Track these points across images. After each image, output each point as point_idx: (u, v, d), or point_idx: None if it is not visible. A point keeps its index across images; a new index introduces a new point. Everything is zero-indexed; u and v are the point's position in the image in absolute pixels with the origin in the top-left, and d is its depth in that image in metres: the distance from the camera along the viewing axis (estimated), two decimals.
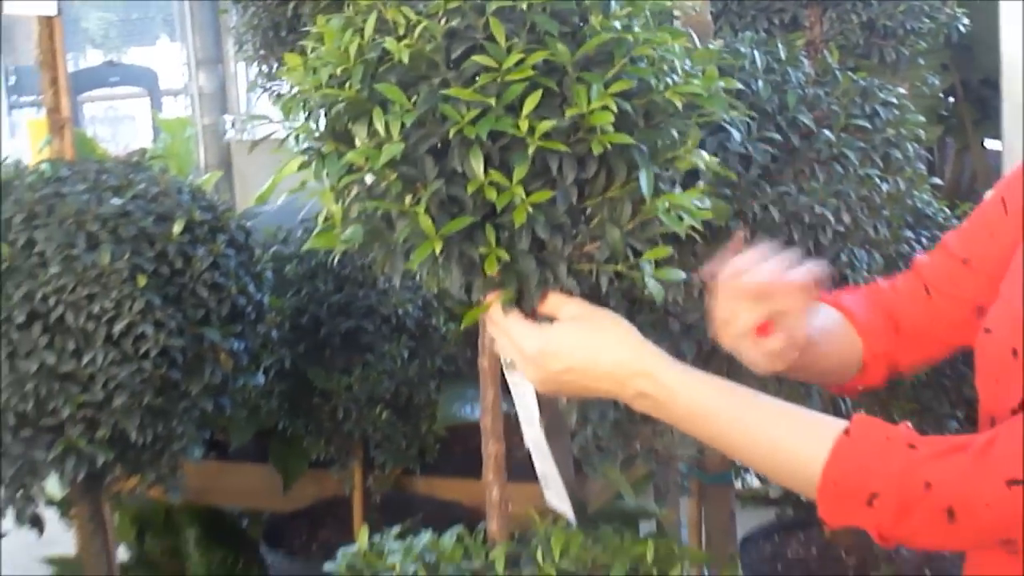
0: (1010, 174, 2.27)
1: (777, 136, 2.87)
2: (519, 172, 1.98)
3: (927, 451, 1.82)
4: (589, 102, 1.96)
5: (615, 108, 1.98)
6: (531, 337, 2.05)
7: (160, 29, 19.79)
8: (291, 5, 4.42)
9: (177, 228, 3.66)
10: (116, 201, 3.63)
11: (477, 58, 1.99)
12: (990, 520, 1.81)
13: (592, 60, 2.01)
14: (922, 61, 4.38)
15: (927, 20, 4.22)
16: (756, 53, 3.05)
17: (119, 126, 13.29)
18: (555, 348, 2.02)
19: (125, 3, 22.34)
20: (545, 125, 1.95)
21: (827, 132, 3.06)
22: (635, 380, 2.00)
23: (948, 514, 1.80)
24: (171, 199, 3.75)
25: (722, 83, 2.21)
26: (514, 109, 1.97)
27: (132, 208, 3.63)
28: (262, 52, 4.60)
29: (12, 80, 10.51)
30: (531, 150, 1.97)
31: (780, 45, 3.21)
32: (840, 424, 1.90)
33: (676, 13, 3.07)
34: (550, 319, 2.09)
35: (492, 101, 1.96)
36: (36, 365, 3.49)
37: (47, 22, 3.94)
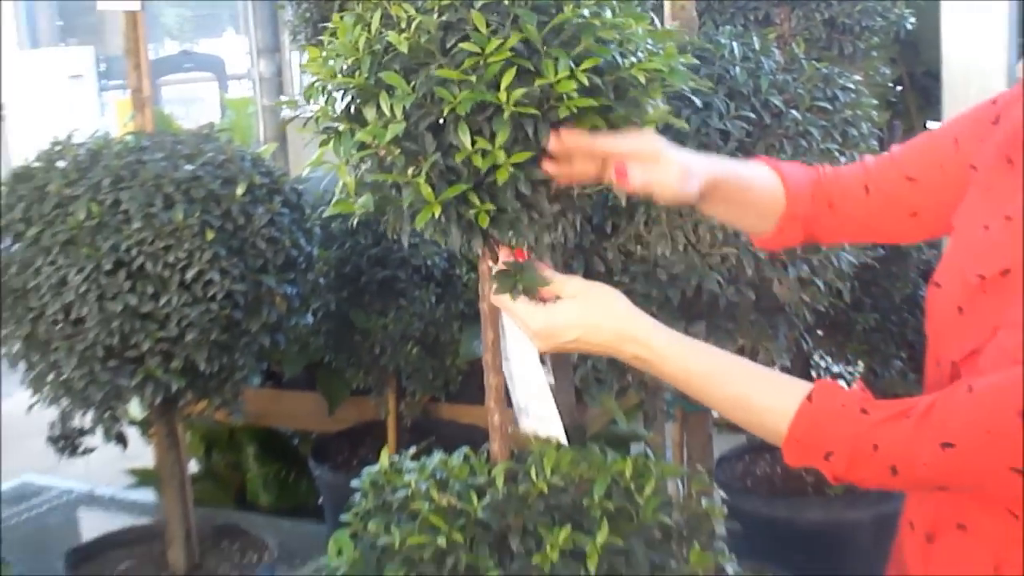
0: (963, 115, 2.25)
1: (752, 115, 2.89)
2: (501, 137, 2.01)
3: (876, 416, 1.83)
4: (556, 74, 1.99)
5: (586, 82, 2.01)
6: (536, 316, 2.08)
7: (227, 23, 19.90)
8: (336, 3, 4.43)
9: (240, 190, 3.69)
10: (188, 167, 3.67)
11: (464, 45, 2.02)
12: (927, 475, 1.82)
13: (564, 43, 2.02)
14: (875, 54, 4.39)
15: (879, 19, 4.23)
16: (734, 44, 3.07)
17: (192, 106, 13.29)
18: (561, 323, 2.04)
19: (197, 0, 22.42)
20: (517, 93, 1.99)
21: (794, 112, 3.08)
22: (630, 346, 2.02)
23: (892, 470, 1.82)
24: (235, 166, 3.77)
25: (681, 59, 2.22)
26: (495, 84, 2.00)
27: (202, 173, 3.67)
28: (312, 42, 4.60)
29: (103, 67, 10.49)
30: (507, 115, 1.99)
31: (755, 38, 3.22)
32: (805, 387, 1.91)
33: (666, 8, 3.09)
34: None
35: (473, 79, 2.00)
36: (121, 306, 3.52)
37: (132, 16, 3.96)
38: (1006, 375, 1.76)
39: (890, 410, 1.84)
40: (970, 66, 5.13)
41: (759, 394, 1.94)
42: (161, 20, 21.40)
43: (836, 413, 1.87)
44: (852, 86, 3.25)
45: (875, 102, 3.32)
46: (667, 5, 3.07)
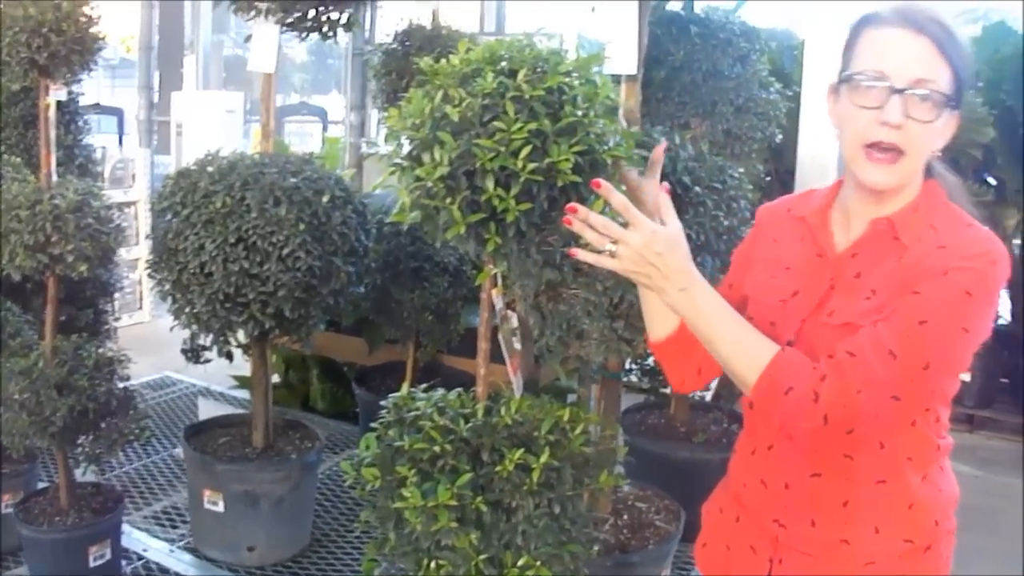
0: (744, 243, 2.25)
1: (669, 187, 2.86)
2: (513, 190, 1.97)
3: (820, 371, 1.76)
4: (559, 155, 1.96)
5: (573, 161, 1.99)
6: (637, 233, 1.83)
7: (332, 85, 20.19)
8: (404, 81, 4.44)
9: (325, 198, 3.69)
10: (293, 180, 3.67)
11: (496, 123, 1.99)
12: (845, 419, 1.75)
13: (564, 130, 2.00)
14: (754, 155, 4.35)
15: (759, 133, 4.20)
16: (663, 139, 3.04)
17: (305, 138, 13.42)
18: (661, 242, 1.81)
19: (315, 67, 22.89)
20: (531, 166, 1.96)
21: (697, 188, 3.04)
22: (686, 279, 1.82)
23: (824, 419, 1.74)
24: (324, 182, 3.77)
25: (636, 150, 2.20)
26: (515, 154, 1.97)
27: (301, 185, 3.67)
28: (386, 104, 4.62)
29: (248, 106, 10.52)
30: (522, 179, 1.96)
31: (676, 136, 3.19)
32: (778, 346, 1.83)
33: (620, 110, 3.05)
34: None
35: (501, 148, 1.98)
36: (237, 268, 3.55)
37: (267, 76, 3.94)
38: (864, 333, 1.76)
39: (826, 368, 1.76)
40: (814, 166, 5.17)
41: (750, 341, 1.82)
42: (290, 80, 22.09)
43: (799, 363, 1.78)
44: (736, 175, 3.23)
45: (751, 187, 3.30)
46: (620, 109, 3.03)
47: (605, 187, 1.84)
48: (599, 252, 1.87)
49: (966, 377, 6.26)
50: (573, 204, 1.86)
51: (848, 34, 1.89)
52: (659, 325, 2.08)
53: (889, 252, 1.86)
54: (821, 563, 1.94)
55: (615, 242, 1.84)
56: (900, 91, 1.76)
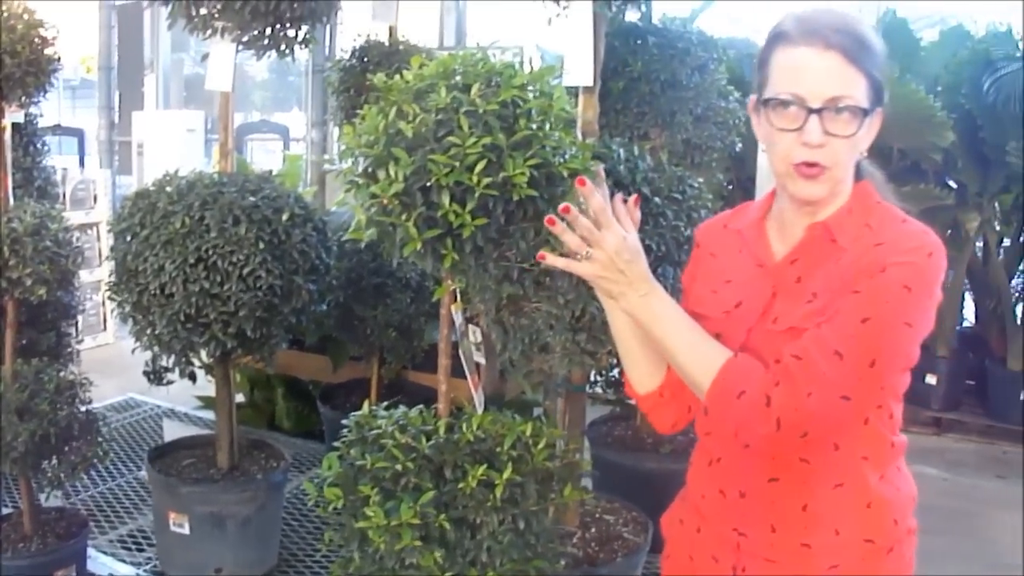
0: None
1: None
2: (469, 205, 2.00)
3: (771, 376, 1.76)
4: (514, 169, 1.96)
5: (529, 175, 2.00)
6: (612, 237, 1.83)
7: (293, 102, 20.22)
8: (362, 98, 4.44)
9: (284, 217, 3.69)
10: (252, 199, 3.66)
11: (451, 138, 2.01)
12: (796, 422, 1.75)
13: (519, 144, 2.00)
14: (714, 164, 4.37)
15: (719, 142, 4.22)
16: (621, 151, 3.04)
17: (268, 156, 13.43)
18: (629, 249, 1.82)
19: (276, 84, 22.92)
20: (486, 180, 1.98)
21: (657, 199, 3.04)
22: (647, 286, 1.84)
23: (777, 423, 1.74)
24: (283, 200, 3.76)
25: (591, 162, 2.20)
26: (470, 169, 1.98)
27: (260, 203, 3.66)
28: (344, 121, 4.62)
29: (210, 125, 10.51)
30: (477, 193, 1.97)
31: (635, 147, 3.20)
32: (730, 352, 1.84)
33: (579, 122, 3.06)
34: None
35: (456, 163, 1.99)
36: (198, 288, 3.53)
37: (225, 95, 3.93)
38: (808, 336, 1.77)
39: (779, 373, 1.76)
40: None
41: (705, 345, 1.83)
42: (251, 98, 22.06)
43: (752, 367, 1.79)
44: (696, 185, 3.22)
45: (711, 197, 3.30)
46: (579, 121, 3.04)
47: (588, 186, 1.83)
48: (570, 256, 1.87)
49: (932, 380, 6.31)
50: (567, 204, 1.84)
51: (761, 51, 1.90)
52: (648, 376, 2.07)
53: (827, 255, 1.88)
54: (784, 568, 1.94)
55: (591, 246, 1.84)
56: (817, 111, 1.78)
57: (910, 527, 2.00)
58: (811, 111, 1.78)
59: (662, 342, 1.88)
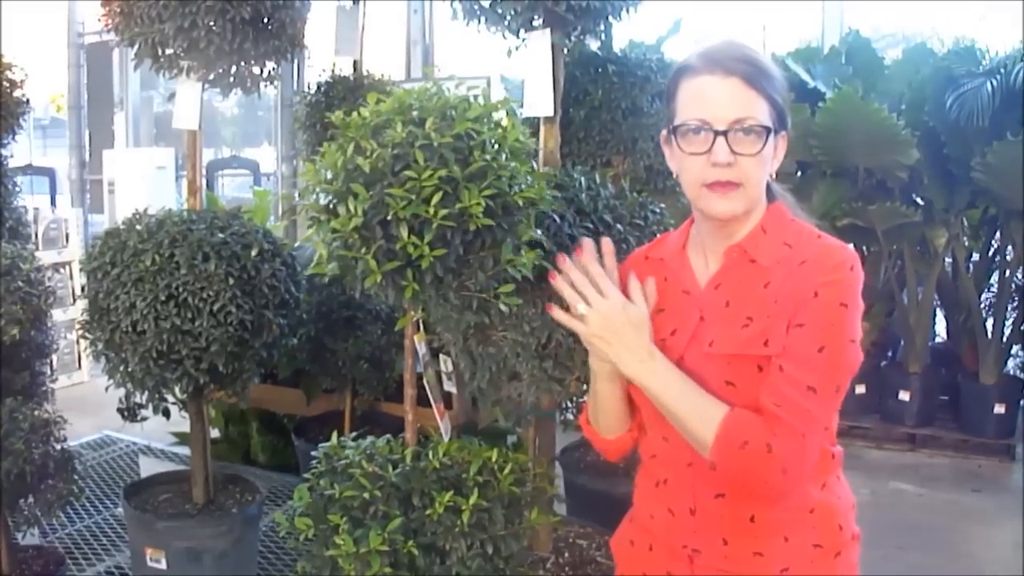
0: None
1: (590, 226, 2.88)
2: (427, 237, 2.04)
3: (767, 425, 1.82)
4: (470, 199, 2.02)
5: (485, 205, 2.06)
6: (607, 301, 1.96)
7: (263, 137, 20.19)
8: (328, 133, 4.47)
9: (253, 252, 3.70)
10: (221, 235, 3.67)
11: (407, 172, 2.06)
12: (799, 464, 1.83)
13: (475, 175, 2.06)
14: (677, 189, 4.37)
15: None
16: (583, 179, 3.08)
17: (239, 191, 13.42)
18: (634, 316, 1.95)
19: (245, 119, 22.86)
20: (443, 212, 2.03)
21: (619, 225, 3.08)
22: (647, 353, 1.94)
23: (783, 470, 1.81)
24: (252, 236, 3.77)
25: (548, 191, 2.26)
26: (427, 201, 2.03)
27: (229, 240, 3.67)
28: (310, 156, 4.64)
29: (181, 161, 10.54)
30: (435, 225, 2.02)
31: (598, 175, 3.24)
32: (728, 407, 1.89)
33: (540, 153, 3.11)
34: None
35: (413, 196, 2.04)
36: (169, 325, 3.53)
37: (192, 132, 3.96)
38: (776, 381, 1.84)
39: (774, 422, 1.83)
40: None
41: (704, 401, 1.89)
42: (222, 133, 22.00)
43: (750, 418, 1.84)
44: (658, 211, 3.25)
45: (673, 221, 3.34)
46: (540, 152, 3.08)
47: (587, 255, 1.99)
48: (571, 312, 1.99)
49: (905, 396, 6.34)
50: (562, 255, 2.00)
51: (668, 86, 2.02)
52: (620, 424, 2.18)
53: (749, 276, 1.96)
54: None
55: (588, 304, 1.97)
56: (722, 133, 1.88)
57: (854, 533, 2.07)
58: (717, 133, 1.88)
59: (662, 404, 1.95)
